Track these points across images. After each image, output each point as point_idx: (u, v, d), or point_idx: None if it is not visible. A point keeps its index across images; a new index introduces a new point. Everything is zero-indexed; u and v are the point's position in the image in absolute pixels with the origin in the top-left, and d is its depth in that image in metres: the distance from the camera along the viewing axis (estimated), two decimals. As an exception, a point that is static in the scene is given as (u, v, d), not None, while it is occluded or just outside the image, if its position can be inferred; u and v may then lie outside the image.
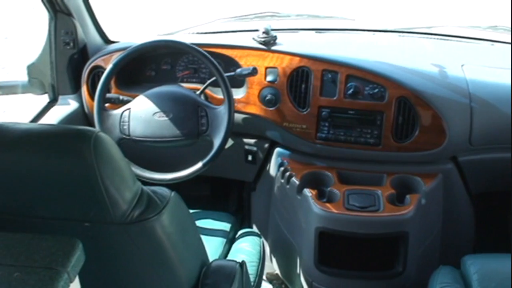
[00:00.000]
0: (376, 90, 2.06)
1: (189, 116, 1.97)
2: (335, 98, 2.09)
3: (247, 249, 1.97)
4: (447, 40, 2.51)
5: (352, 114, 2.09)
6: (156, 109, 1.98)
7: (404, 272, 2.02)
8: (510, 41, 2.53)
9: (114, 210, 1.19)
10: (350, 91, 2.07)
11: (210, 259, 1.57)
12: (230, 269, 1.48)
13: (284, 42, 2.21)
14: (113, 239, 1.26)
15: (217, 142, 1.95)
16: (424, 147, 2.06)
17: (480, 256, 1.98)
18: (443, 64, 2.19)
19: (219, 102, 2.04)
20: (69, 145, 1.16)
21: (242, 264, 1.54)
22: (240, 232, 2.10)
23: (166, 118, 1.97)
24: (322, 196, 2.05)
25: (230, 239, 2.05)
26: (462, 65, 2.19)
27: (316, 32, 2.49)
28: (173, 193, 1.30)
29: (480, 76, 2.16)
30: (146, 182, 1.94)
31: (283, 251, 2.27)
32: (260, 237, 2.05)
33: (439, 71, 2.15)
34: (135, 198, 1.21)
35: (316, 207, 1.98)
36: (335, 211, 1.96)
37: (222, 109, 1.96)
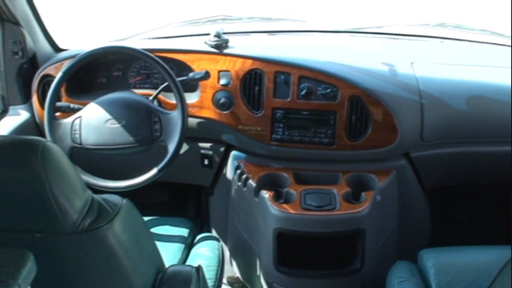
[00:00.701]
0: (328, 90, 2.08)
1: (142, 122, 1.96)
2: (288, 99, 2.10)
3: (205, 253, 1.96)
4: (397, 38, 2.55)
5: (306, 115, 2.11)
6: (108, 116, 1.95)
7: (362, 269, 2.04)
8: (459, 38, 2.59)
9: (65, 219, 1.17)
10: (303, 92, 2.08)
11: (168, 265, 1.56)
12: (186, 274, 1.48)
13: (236, 45, 2.22)
14: (65, 249, 1.24)
15: (171, 147, 1.94)
16: (377, 145, 2.09)
17: (436, 249, 2.01)
18: (393, 62, 2.23)
19: (173, 107, 2.03)
20: (16, 156, 1.14)
21: (199, 269, 1.54)
22: (198, 237, 2.09)
23: (119, 125, 1.95)
24: (279, 197, 2.06)
25: (189, 245, 2.04)
26: (412, 63, 2.23)
27: (268, 35, 2.51)
28: (124, 201, 1.28)
29: (429, 73, 2.20)
30: (101, 190, 1.92)
31: (243, 253, 2.27)
32: (219, 241, 2.05)
33: (389, 70, 2.18)
34: (85, 207, 1.20)
35: (273, 208, 1.98)
36: (292, 211, 1.97)
37: (176, 114, 1.95)
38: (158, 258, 1.49)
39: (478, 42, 2.57)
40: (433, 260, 1.89)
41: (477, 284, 1.68)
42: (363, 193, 2.05)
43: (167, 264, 1.56)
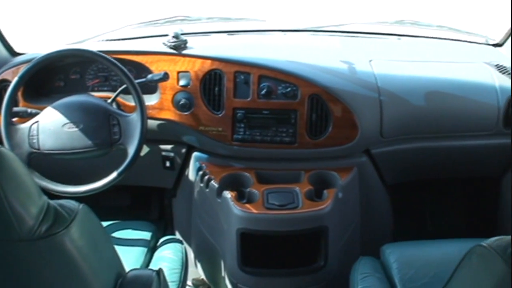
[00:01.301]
0: (288, 89, 2.08)
1: (101, 125, 1.93)
2: (249, 99, 2.10)
3: (169, 256, 1.95)
4: (356, 36, 2.57)
5: (267, 114, 2.11)
6: (65, 120, 1.93)
7: (326, 266, 2.05)
8: (416, 35, 2.62)
9: (21, 226, 1.15)
10: (263, 91, 2.08)
11: (129, 270, 1.55)
12: (147, 278, 1.46)
13: (195, 46, 2.21)
14: (21, 255, 1.22)
15: (131, 150, 1.92)
16: (338, 142, 2.10)
17: (398, 244, 2.04)
18: (352, 60, 2.24)
19: (132, 109, 2.01)
20: None
21: (159, 272, 1.52)
22: (161, 240, 2.07)
23: (77, 129, 1.92)
24: (242, 197, 2.06)
25: (151, 248, 2.03)
26: (370, 60, 2.25)
27: (228, 35, 2.51)
28: (81, 206, 1.26)
29: (387, 70, 2.22)
30: (60, 196, 1.89)
31: (207, 255, 2.26)
32: (182, 243, 2.04)
33: (348, 67, 2.20)
34: (41, 213, 1.18)
35: (236, 208, 1.98)
36: (255, 211, 1.97)
37: (135, 117, 1.93)
38: (118, 262, 1.48)
39: (436, 38, 2.60)
40: (395, 254, 1.91)
41: (439, 277, 1.69)
42: (325, 191, 2.06)
43: (128, 269, 1.54)
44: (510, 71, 2.32)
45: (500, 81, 2.25)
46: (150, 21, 2.56)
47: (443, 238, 2.01)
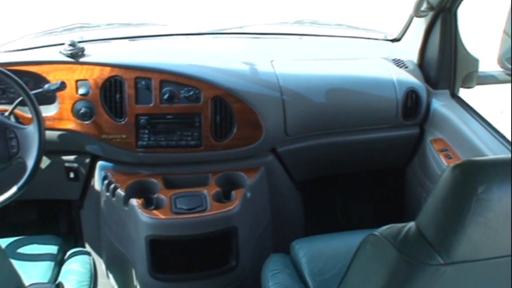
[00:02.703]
0: (191, 93, 2.08)
1: None
2: (151, 104, 2.08)
3: (77, 269, 1.90)
4: (258, 37, 2.60)
5: (171, 119, 2.10)
6: None
7: (238, 266, 2.06)
8: (316, 34, 2.68)
9: None
10: (166, 96, 2.07)
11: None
12: None
13: (94, 53, 2.17)
14: None
15: (30, 163, 1.86)
16: (243, 143, 2.12)
17: (307, 239, 2.08)
18: (254, 61, 2.26)
19: (31, 121, 1.95)
20: None
21: (59, 285, 1.49)
22: (68, 253, 2.02)
23: None
24: (150, 204, 2.04)
25: (59, 262, 1.97)
26: (272, 61, 2.28)
27: (129, 40, 2.47)
28: None
29: (289, 69, 2.26)
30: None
31: (118, 265, 2.23)
32: (90, 255, 1.99)
33: (250, 69, 2.22)
34: None
35: (143, 215, 1.96)
36: (162, 217, 1.96)
37: (32, 129, 1.87)
38: (15, 278, 1.43)
39: (335, 36, 2.67)
40: (304, 249, 1.95)
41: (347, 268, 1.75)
42: (233, 192, 2.07)
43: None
44: (407, 65, 2.41)
45: (397, 75, 2.34)
46: (48, 30, 2.48)
47: (354, 229, 2.06)
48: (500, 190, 1.04)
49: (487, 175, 1.06)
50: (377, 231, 1.21)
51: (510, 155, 1.31)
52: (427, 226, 1.13)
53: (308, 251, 1.94)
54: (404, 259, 1.11)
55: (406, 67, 2.40)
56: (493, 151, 1.99)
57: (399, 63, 2.41)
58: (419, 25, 2.42)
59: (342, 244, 1.95)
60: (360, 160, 2.51)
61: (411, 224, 1.17)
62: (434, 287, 1.10)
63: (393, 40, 2.67)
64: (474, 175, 1.06)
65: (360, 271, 1.29)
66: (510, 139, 2.06)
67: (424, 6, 2.24)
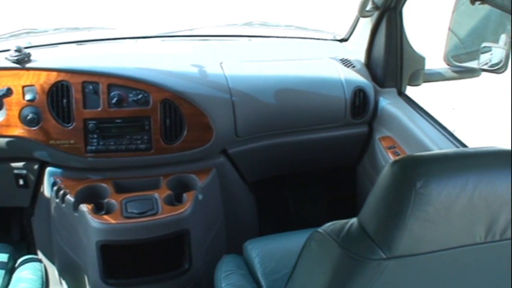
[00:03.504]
0: (140, 96, 2.07)
1: None
2: (99, 109, 2.07)
3: (28, 276, 1.88)
4: (207, 40, 2.60)
5: (120, 123, 2.08)
6: None
7: (191, 268, 2.06)
8: (266, 35, 2.70)
9: None
10: (114, 100, 2.06)
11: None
12: None
13: (40, 59, 2.14)
14: None
15: None
16: (194, 145, 2.12)
17: (260, 239, 2.09)
18: (203, 63, 2.27)
19: None
20: None
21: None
22: (19, 260, 1.99)
23: None
24: (100, 209, 2.02)
25: (10, 270, 1.94)
26: (221, 63, 2.29)
27: (77, 45, 2.45)
28: None
29: (238, 71, 2.27)
30: None
31: (71, 271, 2.20)
32: (41, 262, 1.97)
33: (199, 71, 2.22)
34: None
35: (93, 221, 1.94)
36: (113, 221, 1.94)
37: None
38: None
39: (284, 37, 2.69)
40: (257, 249, 1.96)
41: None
42: (184, 194, 2.07)
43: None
44: (354, 64, 2.45)
45: (345, 74, 2.37)
46: (-7, 37, 2.44)
47: (308, 228, 2.08)
48: (439, 184, 1.07)
49: (425, 169, 1.09)
50: (321, 228, 1.23)
51: (449, 150, 1.34)
52: (368, 222, 1.15)
53: (261, 251, 1.95)
54: (347, 255, 1.13)
55: (354, 67, 2.44)
56: (439, 147, 2.03)
57: (346, 62, 2.45)
58: (366, 25, 2.47)
59: (294, 242, 1.95)
60: (311, 159, 2.53)
61: (354, 220, 1.19)
62: (377, 282, 1.12)
63: (341, 40, 2.71)
64: (413, 170, 1.09)
65: (306, 268, 1.30)
66: (452, 135, 2.11)
67: (369, 6, 2.28)
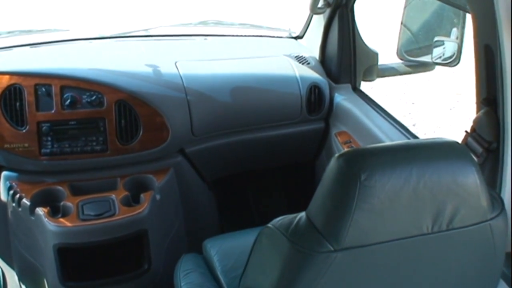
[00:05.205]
0: (94, 97, 2.06)
1: None
2: (53, 111, 2.05)
3: None
4: (163, 40, 2.60)
5: (74, 125, 2.07)
6: None
7: (151, 269, 2.07)
8: (221, 34, 2.71)
9: None
10: (68, 102, 2.05)
11: None
12: None
13: None
14: None
15: None
16: (150, 145, 2.12)
17: (219, 237, 2.09)
18: (158, 63, 2.27)
19: None
20: None
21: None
22: None
23: None
24: (57, 212, 2.01)
25: None
26: (176, 62, 2.29)
27: (30, 47, 2.42)
28: None
29: (193, 70, 2.27)
30: None
31: (30, 275, 2.18)
32: None
33: (153, 71, 2.22)
34: None
35: (50, 224, 1.93)
36: (69, 224, 1.94)
37: None
38: None
39: (239, 36, 2.70)
40: (216, 247, 1.97)
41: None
42: (142, 195, 2.07)
43: None
44: (309, 61, 2.48)
45: (300, 71, 2.40)
46: None
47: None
48: (383, 176, 1.09)
49: (369, 162, 1.11)
50: (271, 223, 1.24)
51: (393, 143, 1.37)
52: (316, 215, 1.17)
53: (220, 249, 1.96)
54: (295, 248, 1.15)
55: (309, 63, 2.46)
56: (393, 140, 2.07)
57: (301, 59, 2.48)
58: (319, 22, 2.50)
59: (253, 239, 1.98)
60: (269, 156, 2.55)
61: (302, 214, 1.21)
62: (326, 274, 1.14)
63: (296, 38, 2.73)
64: (357, 163, 1.11)
65: (257, 263, 1.32)
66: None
67: (321, 3, 2.30)
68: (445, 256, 1.24)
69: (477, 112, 1.59)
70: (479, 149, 1.54)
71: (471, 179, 1.15)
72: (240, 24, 2.71)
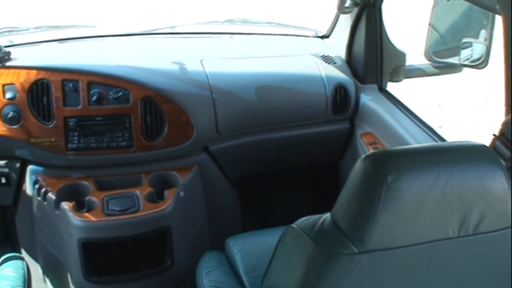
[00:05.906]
0: (120, 94, 2.07)
1: None
2: (80, 107, 2.07)
3: (9, 274, 1.87)
4: (189, 37, 2.61)
5: (100, 120, 2.09)
6: None
7: (174, 265, 2.07)
8: (247, 32, 2.70)
9: None
10: (94, 97, 2.06)
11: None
12: None
13: (20, 57, 2.14)
14: None
15: None
16: (175, 142, 2.13)
17: (242, 236, 2.09)
18: (184, 61, 2.27)
19: None
20: None
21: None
22: (1, 259, 1.99)
23: None
24: (82, 206, 2.03)
25: None
26: (202, 60, 2.29)
27: (58, 43, 2.44)
28: None
29: (219, 68, 2.27)
30: None
31: (54, 269, 2.21)
32: (23, 260, 1.97)
33: (179, 68, 2.23)
34: None
35: (75, 219, 1.95)
36: (94, 219, 1.95)
37: None
38: None
39: (265, 34, 2.70)
40: (239, 246, 1.97)
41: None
42: (166, 191, 2.08)
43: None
44: (335, 61, 2.46)
45: (326, 71, 2.38)
46: (-25, 36, 2.43)
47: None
48: (410, 178, 1.08)
49: (396, 164, 1.10)
50: (295, 224, 1.24)
51: (421, 145, 1.36)
52: (341, 217, 1.16)
53: (243, 247, 1.96)
54: (320, 250, 1.14)
55: (335, 63, 2.45)
56: (419, 142, 2.05)
57: (327, 59, 2.46)
58: (346, 21, 2.48)
59: (276, 239, 1.96)
60: (293, 156, 2.54)
61: (327, 215, 1.20)
62: (350, 276, 1.14)
63: (322, 37, 2.72)
64: (384, 165, 1.10)
65: (281, 264, 1.32)
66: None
67: (349, 3, 2.29)
68: (471, 261, 1.23)
69: (506, 115, 1.57)
70: (508, 153, 1.52)
71: (499, 184, 1.13)
72: (267, 22, 2.71)
